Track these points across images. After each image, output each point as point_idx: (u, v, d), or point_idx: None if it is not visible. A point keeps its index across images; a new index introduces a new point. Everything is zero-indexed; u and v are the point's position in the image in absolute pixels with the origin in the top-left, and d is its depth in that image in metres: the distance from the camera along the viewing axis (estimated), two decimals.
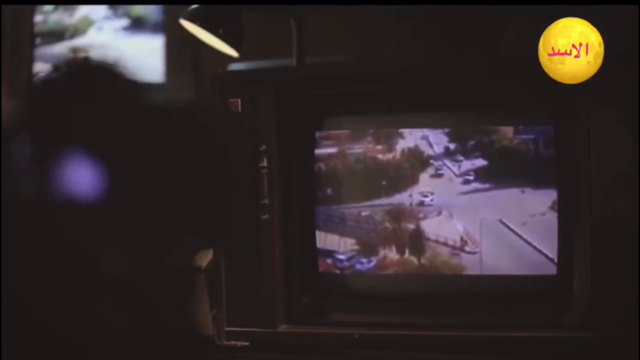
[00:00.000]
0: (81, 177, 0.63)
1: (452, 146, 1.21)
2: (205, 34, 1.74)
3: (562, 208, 1.20)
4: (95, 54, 2.30)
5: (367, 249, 1.26)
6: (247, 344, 1.37)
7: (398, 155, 1.24)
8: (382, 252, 1.25)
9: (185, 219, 0.68)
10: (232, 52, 1.75)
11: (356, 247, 1.27)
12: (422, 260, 1.23)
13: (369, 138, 1.25)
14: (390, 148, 1.24)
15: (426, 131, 1.22)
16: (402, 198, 1.23)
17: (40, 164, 0.64)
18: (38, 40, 2.39)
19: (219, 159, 0.69)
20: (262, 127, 1.33)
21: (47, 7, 2.42)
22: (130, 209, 0.65)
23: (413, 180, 1.23)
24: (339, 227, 1.27)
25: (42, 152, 0.64)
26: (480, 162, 1.20)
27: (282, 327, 1.34)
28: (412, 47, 2.02)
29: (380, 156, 1.25)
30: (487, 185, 1.20)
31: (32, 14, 2.38)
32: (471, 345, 1.23)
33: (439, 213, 1.21)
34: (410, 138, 1.23)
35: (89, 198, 0.64)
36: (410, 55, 2.00)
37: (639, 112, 1.19)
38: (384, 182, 1.24)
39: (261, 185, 1.32)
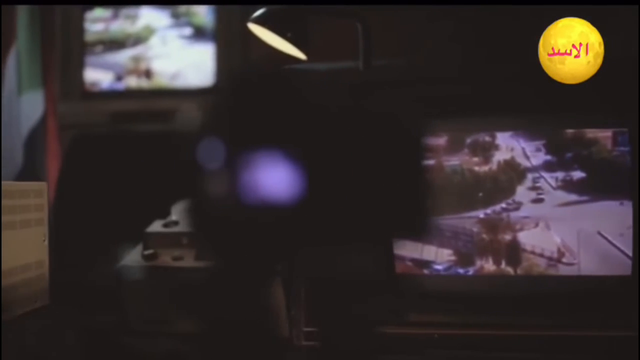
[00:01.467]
0: (274, 178, 0.64)
1: (549, 158, 1.23)
2: (273, 37, 1.74)
3: None
4: (157, 62, 2.32)
5: (464, 259, 1.27)
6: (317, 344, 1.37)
7: (494, 167, 1.25)
8: (478, 263, 1.27)
9: (373, 215, 0.69)
10: (300, 55, 1.76)
11: (453, 257, 1.28)
12: (519, 271, 1.24)
13: (466, 150, 1.26)
14: (486, 160, 1.25)
15: (522, 142, 1.23)
16: (498, 209, 1.24)
17: (232, 165, 0.65)
18: (99, 48, 2.40)
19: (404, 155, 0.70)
20: None
21: (102, 13, 2.44)
22: (326, 208, 0.66)
23: (510, 192, 1.24)
24: (436, 238, 1.28)
25: (234, 154, 0.65)
26: (579, 174, 1.21)
27: (358, 328, 1.35)
28: (449, 49, 2.04)
29: (476, 168, 1.26)
30: (585, 197, 1.22)
31: (81, 19, 2.39)
32: (556, 345, 1.24)
33: (536, 224, 1.23)
34: (507, 150, 1.24)
35: (283, 199, 0.65)
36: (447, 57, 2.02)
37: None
38: (480, 194, 1.26)
39: None
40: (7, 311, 1.33)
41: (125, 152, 2.40)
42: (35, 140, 2.90)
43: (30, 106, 2.91)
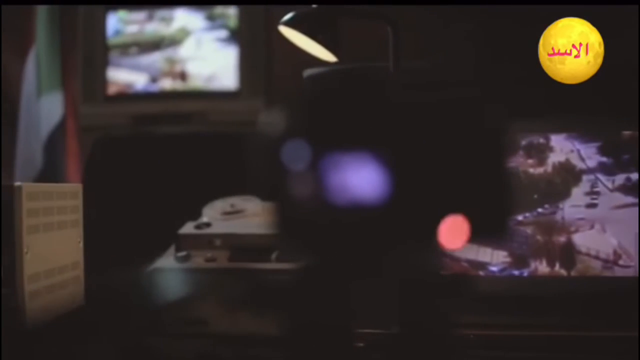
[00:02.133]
0: (360, 178, 0.63)
1: (605, 160, 1.21)
2: (304, 40, 1.73)
3: None
4: (192, 65, 2.31)
5: (519, 261, 1.26)
6: (361, 344, 1.37)
7: (549, 169, 1.24)
8: (533, 265, 1.25)
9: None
10: (331, 58, 1.74)
11: (508, 259, 1.27)
12: (573, 273, 1.23)
13: (521, 152, 1.25)
14: (541, 162, 1.24)
15: (577, 144, 1.22)
16: (553, 211, 1.23)
17: (318, 167, 0.64)
18: (134, 50, 2.39)
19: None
20: None
21: (137, 15, 2.43)
22: (411, 208, 0.64)
23: (565, 194, 1.23)
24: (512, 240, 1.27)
25: (319, 155, 0.64)
26: (635, 176, 1.20)
27: (394, 329, 1.34)
28: (463, 51, 2.03)
29: (531, 170, 1.25)
30: None
31: (104, 21, 2.38)
32: (609, 347, 1.22)
33: (592, 226, 1.22)
34: (561, 152, 1.23)
35: (369, 199, 0.64)
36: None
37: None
38: (535, 196, 1.24)
39: None
40: (45, 313, 1.31)
41: (148, 154, 2.39)
42: (55, 142, 2.89)
43: (50, 108, 2.90)
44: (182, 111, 2.35)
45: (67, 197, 1.43)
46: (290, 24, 1.71)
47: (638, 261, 1.21)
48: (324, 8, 1.67)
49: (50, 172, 2.87)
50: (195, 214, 2.22)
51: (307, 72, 2.51)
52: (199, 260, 1.58)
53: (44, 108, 2.90)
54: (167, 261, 1.59)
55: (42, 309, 1.31)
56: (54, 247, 1.37)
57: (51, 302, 1.35)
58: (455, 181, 0.64)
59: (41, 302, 1.31)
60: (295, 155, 0.64)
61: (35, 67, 2.92)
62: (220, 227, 1.64)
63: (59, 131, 2.90)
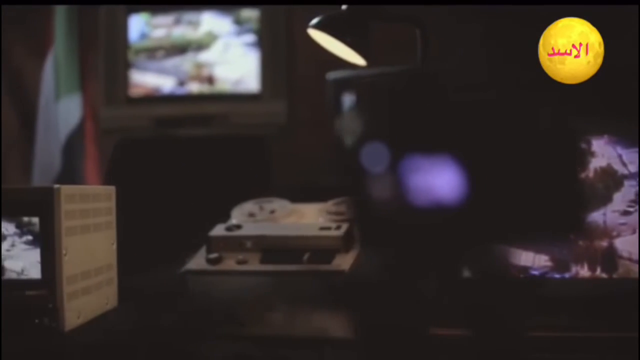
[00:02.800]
0: (439, 179, 0.63)
1: None
2: (333, 43, 1.73)
3: None
4: (219, 69, 2.31)
5: (560, 265, 1.26)
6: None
7: (591, 174, 1.24)
8: (574, 269, 1.25)
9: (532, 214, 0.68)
10: (360, 61, 1.75)
11: (549, 263, 1.27)
12: (614, 277, 1.23)
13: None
14: (582, 167, 1.24)
15: (619, 149, 1.22)
16: (595, 217, 1.23)
17: (396, 168, 0.64)
18: (161, 53, 2.40)
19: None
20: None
21: (164, 19, 2.43)
22: (489, 208, 0.65)
23: (606, 199, 1.23)
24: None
25: (397, 157, 0.64)
26: None
27: (433, 329, 1.36)
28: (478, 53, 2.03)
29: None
30: None
31: (125, 23, 2.39)
32: None
33: (634, 231, 1.22)
34: (603, 156, 1.23)
35: (448, 200, 0.64)
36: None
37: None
38: None
39: None
40: (80, 314, 1.32)
41: (169, 156, 2.39)
42: (73, 144, 2.90)
43: (69, 110, 2.91)
44: (204, 114, 2.36)
45: (102, 199, 1.44)
46: (319, 26, 1.71)
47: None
48: (353, 11, 1.68)
49: (68, 174, 2.88)
50: (217, 216, 2.22)
51: (331, 75, 2.52)
52: (230, 262, 1.58)
53: (63, 110, 2.90)
54: (199, 263, 1.60)
55: (78, 310, 1.31)
56: (90, 249, 1.38)
57: (87, 304, 1.35)
58: (529, 180, 0.65)
59: (78, 304, 1.31)
60: (373, 157, 0.64)
61: (54, 69, 2.93)
62: (251, 229, 1.64)
63: (78, 133, 2.91)
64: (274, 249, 1.58)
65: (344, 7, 1.69)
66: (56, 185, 1.27)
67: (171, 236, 2.23)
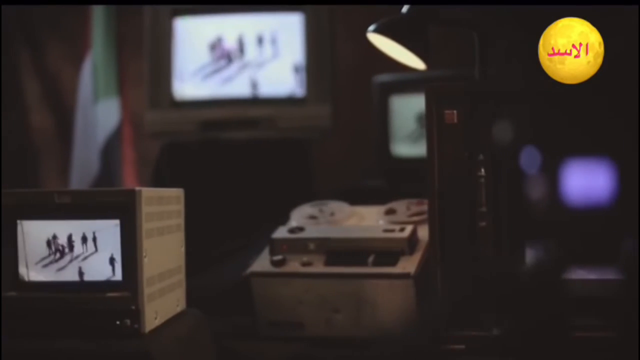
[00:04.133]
0: (592, 180, 0.64)
1: None
2: (393, 46, 1.74)
3: None
4: (262, 71, 2.30)
5: None
6: (463, 347, 1.39)
7: None
8: None
9: None
10: (420, 65, 1.76)
11: None
12: None
13: None
14: None
15: None
16: None
17: (549, 170, 0.65)
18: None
19: None
20: (479, 138, 1.37)
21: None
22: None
23: None
24: None
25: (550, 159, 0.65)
26: None
27: (496, 331, 1.36)
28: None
29: None
30: None
31: (170, 27, 2.39)
32: None
33: None
34: None
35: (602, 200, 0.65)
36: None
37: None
38: None
39: (479, 194, 1.36)
40: (157, 316, 1.32)
41: (215, 159, 2.40)
42: (111, 147, 2.91)
43: (107, 114, 2.92)
44: (249, 117, 2.36)
45: (173, 201, 1.45)
46: (380, 30, 1.72)
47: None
48: (414, 15, 1.69)
49: (106, 177, 2.89)
50: (263, 218, 2.23)
51: (377, 79, 2.53)
52: (294, 264, 1.59)
53: (101, 114, 2.92)
54: (263, 265, 1.60)
55: (155, 311, 1.32)
56: (164, 251, 1.39)
57: (162, 306, 1.36)
58: None
59: (155, 305, 1.32)
60: (529, 160, 0.65)
61: (92, 73, 2.94)
62: (314, 231, 1.65)
63: (116, 137, 2.92)
64: (337, 251, 1.59)
65: (404, 9, 1.70)
66: (137, 188, 1.28)
67: (217, 238, 2.24)
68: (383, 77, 2.42)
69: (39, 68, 3.25)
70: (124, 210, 1.26)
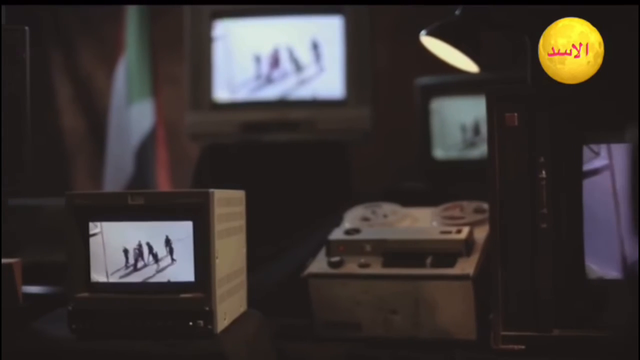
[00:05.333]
0: None
1: None
2: (447, 50, 1.75)
3: None
4: (304, 74, 2.30)
5: None
6: (523, 347, 1.40)
7: None
8: None
9: None
10: (473, 68, 1.76)
11: None
12: None
13: None
14: None
15: None
16: None
17: None
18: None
19: None
20: (539, 141, 1.38)
21: None
22: None
23: None
24: None
25: None
26: None
27: (556, 332, 1.37)
28: None
29: None
30: None
31: (209, 29, 2.40)
32: None
33: None
34: None
35: None
36: None
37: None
38: None
39: (540, 196, 1.37)
40: (226, 316, 1.33)
41: (256, 161, 2.41)
42: (145, 149, 2.92)
43: (141, 116, 2.93)
44: (289, 119, 2.37)
45: (237, 203, 1.46)
46: (434, 33, 1.73)
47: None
48: (468, 17, 1.70)
49: (140, 179, 2.90)
50: (302, 220, 2.24)
51: (419, 81, 2.54)
52: (352, 265, 1.59)
53: (135, 116, 2.93)
54: (320, 267, 1.61)
55: (224, 312, 1.33)
56: (231, 252, 1.40)
57: (229, 306, 1.37)
58: None
59: (225, 306, 1.33)
60: None
61: (126, 75, 2.95)
62: (370, 233, 1.65)
63: (150, 139, 2.93)
64: (394, 252, 1.59)
65: (457, 12, 1.71)
66: (210, 190, 1.28)
67: (257, 240, 2.25)
68: (424, 80, 2.43)
69: (71, 70, 3.26)
70: (197, 212, 1.27)
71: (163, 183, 2.97)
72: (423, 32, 1.72)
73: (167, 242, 1.28)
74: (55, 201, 2.38)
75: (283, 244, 2.14)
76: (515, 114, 1.43)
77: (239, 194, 1.47)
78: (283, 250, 2.12)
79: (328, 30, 2.39)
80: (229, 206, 1.37)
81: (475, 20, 1.68)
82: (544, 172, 1.40)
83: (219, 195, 1.30)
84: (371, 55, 2.39)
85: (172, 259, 1.28)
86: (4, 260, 1.54)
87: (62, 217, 2.37)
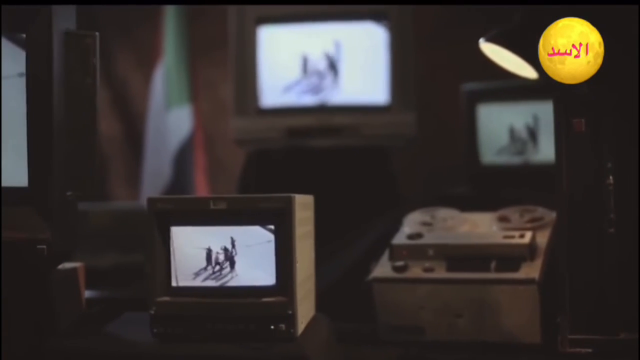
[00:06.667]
0: None
1: None
2: (506, 56, 1.76)
3: None
4: (348, 79, 2.29)
5: None
6: (590, 350, 1.41)
7: None
8: None
9: None
10: (532, 74, 1.77)
11: None
12: None
13: None
14: None
15: None
16: None
17: None
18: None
19: None
20: (607, 146, 1.39)
21: None
22: None
23: None
24: None
25: None
26: None
27: (623, 335, 1.38)
28: None
29: None
30: None
31: (254, 35, 2.42)
32: None
33: None
34: None
35: None
36: None
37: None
38: None
39: (608, 201, 1.38)
40: (303, 320, 1.34)
41: (302, 166, 2.42)
42: (184, 154, 2.93)
43: (179, 121, 2.95)
44: (334, 125, 2.39)
45: (309, 207, 1.47)
46: (494, 39, 1.74)
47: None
48: (528, 24, 1.71)
49: (178, 184, 2.91)
50: (348, 225, 2.25)
51: (465, 87, 2.56)
52: (416, 270, 1.61)
53: (173, 121, 2.95)
54: (384, 271, 1.62)
55: (302, 316, 1.35)
56: (305, 256, 1.41)
57: (305, 311, 1.38)
58: None
59: (302, 310, 1.35)
60: None
61: (164, 80, 2.97)
62: (432, 237, 1.67)
63: (188, 144, 2.95)
64: (458, 256, 1.61)
65: (517, 17, 1.72)
66: (291, 194, 1.30)
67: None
68: (471, 86, 2.45)
69: (108, 75, 3.28)
70: (279, 216, 1.29)
71: (201, 188, 2.99)
72: (482, 40, 1.74)
73: (248, 246, 1.29)
74: (96, 206, 2.40)
75: (329, 248, 2.15)
76: (583, 120, 1.45)
77: (310, 199, 1.49)
78: (330, 255, 2.13)
79: (372, 36, 2.41)
80: (304, 210, 1.38)
81: (539, 26, 1.69)
82: (611, 177, 1.42)
83: (299, 199, 1.31)
84: (415, 60, 2.40)
85: (253, 263, 1.29)
86: (68, 265, 1.55)
87: (105, 221, 2.38)
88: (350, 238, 2.13)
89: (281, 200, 1.28)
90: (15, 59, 1.30)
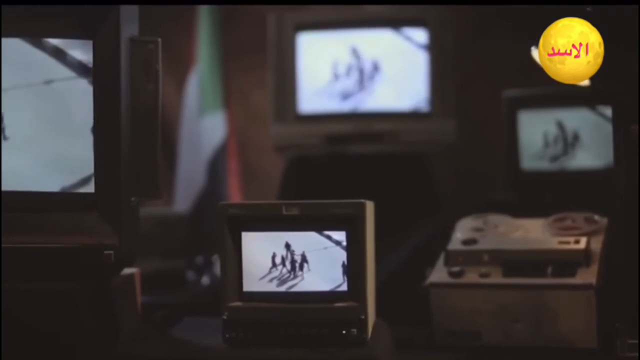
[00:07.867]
0: None
1: None
2: None
3: None
4: (389, 86, 2.29)
5: None
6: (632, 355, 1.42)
7: None
8: None
9: None
10: (584, 81, 1.78)
11: None
12: None
13: None
14: None
15: None
16: None
17: None
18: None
19: None
20: None
21: None
22: None
23: None
24: None
25: None
26: None
27: None
28: None
29: None
30: None
31: (293, 41, 2.43)
32: None
33: None
34: None
35: None
36: None
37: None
38: None
39: None
40: (370, 325, 1.35)
41: (341, 173, 2.43)
42: (217, 161, 2.95)
43: (212, 127, 2.96)
44: (373, 131, 2.40)
45: (373, 213, 1.48)
46: None
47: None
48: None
49: (212, 190, 2.93)
50: (389, 231, 2.26)
51: (506, 93, 2.57)
52: (472, 275, 1.62)
53: (207, 127, 2.96)
54: (440, 277, 1.64)
55: (370, 321, 1.36)
56: (372, 262, 1.42)
57: (371, 316, 1.39)
58: None
59: (369, 315, 1.36)
60: None
61: (198, 87, 2.98)
62: (487, 243, 1.68)
63: (221, 151, 2.96)
64: (513, 262, 1.62)
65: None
66: (362, 200, 1.31)
67: None
68: (512, 92, 2.46)
69: None
70: (352, 222, 1.30)
71: (234, 194, 3.00)
72: (533, 48, 1.75)
73: (321, 251, 1.31)
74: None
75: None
76: None
77: (371, 205, 1.50)
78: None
79: (412, 42, 2.42)
80: (371, 216, 1.40)
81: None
82: None
83: (370, 206, 1.33)
84: (458, 67, 2.42)
85: (325, 269, 1.31)
86: (126, 270, 1.56)
87: (144, 227, 2.39)
88: (392, 243, 2.14)
89: (353, 206, 1.30)
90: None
